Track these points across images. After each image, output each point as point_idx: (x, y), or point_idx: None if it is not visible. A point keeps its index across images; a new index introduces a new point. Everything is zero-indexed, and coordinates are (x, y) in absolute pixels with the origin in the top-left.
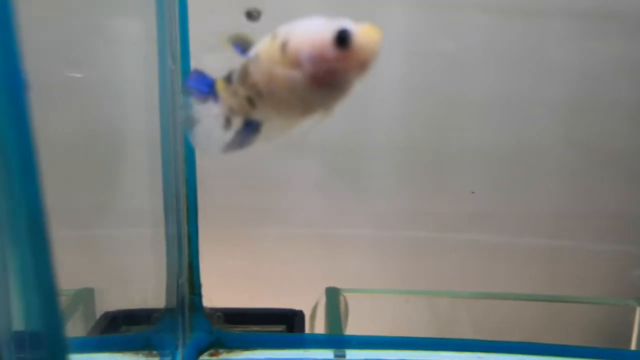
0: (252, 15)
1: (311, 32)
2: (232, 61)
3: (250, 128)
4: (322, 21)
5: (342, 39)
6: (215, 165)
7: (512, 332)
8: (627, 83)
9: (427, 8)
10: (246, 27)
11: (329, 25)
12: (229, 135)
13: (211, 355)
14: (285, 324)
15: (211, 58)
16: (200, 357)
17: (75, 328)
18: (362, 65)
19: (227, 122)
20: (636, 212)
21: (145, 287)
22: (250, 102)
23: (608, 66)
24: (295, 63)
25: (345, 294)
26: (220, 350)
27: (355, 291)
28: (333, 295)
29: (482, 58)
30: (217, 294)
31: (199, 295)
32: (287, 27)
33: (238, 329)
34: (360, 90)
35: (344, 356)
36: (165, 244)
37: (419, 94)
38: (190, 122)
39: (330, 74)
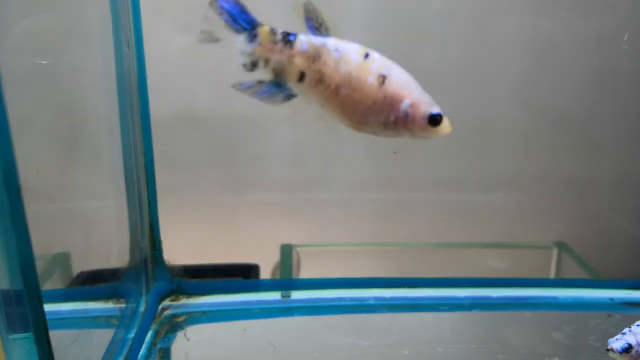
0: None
1: (416, 95)
2: None
3: (281, 91)
4: (418, 85)
5: (436, 121)
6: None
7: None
8: (581, 51)
9: None
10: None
11: (430, 100)
12: (244, 75)
13: (172, 301)
14: (243, 277)
15: None
16: (163, 303)
17: (55, 285)
18: (425, 139)
19: (252, 66)
20: (588, 176)
21: (113, 249)
22: (301, 76)
23: (563, 34)
24: (388, 102)
25: (298, 249)
26: (181, 297)
27: (307, 246)
28: (287, 251)
29: (438, 27)
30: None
31: (160, 251)
32: (383, 60)
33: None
34: None
35: (289, 297)
36: (127, 210)
37: None
38: (208, 38)
39: (405, 130)
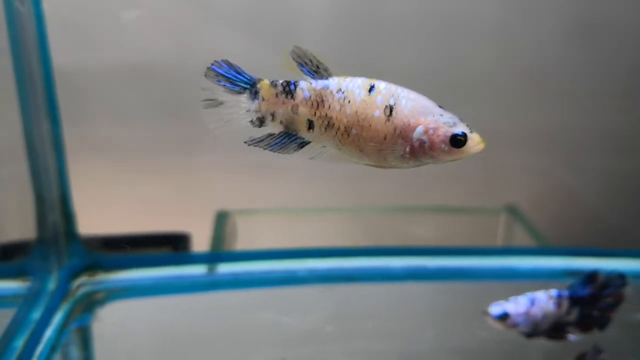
0: None
1: (430, 119)
2: None
3: (293, 140)
4: (433, 105)
5: (460, 141)
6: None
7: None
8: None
9: None
10: None
11: (450, 120)
12: (254, 131)
13: (89, 276)
14: (171, 246)
15: None
16: (79, 279)
17: None
18: (456, 159)
19: (260, 122)
20: (557, 126)
21: (14, 223)
22: (310, 124)
23: None
24: (399, 133)
25: (236, 216)
26: (98, 272)
27: (244, 212)
28: (221, 219)
29: None
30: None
31: (73, 223)
32: (390, 88)
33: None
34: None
35: (215, 270)
36: (30, 180)
37: (348, 12)
38: (211, 104)
39: (426, 158)
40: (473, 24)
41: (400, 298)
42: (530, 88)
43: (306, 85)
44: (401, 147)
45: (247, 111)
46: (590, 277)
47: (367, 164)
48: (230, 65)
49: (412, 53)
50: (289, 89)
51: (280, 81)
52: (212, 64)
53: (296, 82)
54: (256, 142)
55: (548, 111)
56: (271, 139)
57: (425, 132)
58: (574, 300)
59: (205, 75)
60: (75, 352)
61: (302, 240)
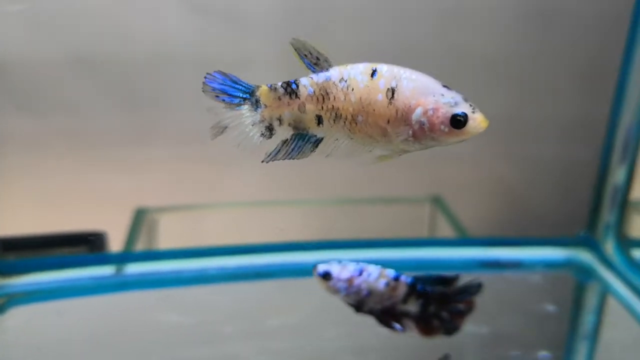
0: None
1: (430, 100)
2: None
3: (307, 141)
4: (436, 85)
5: (459, 122)
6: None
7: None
8: None
9: None
10: None
11: (452, 99)
12: (269, 142)
13: None
14: (86, 246)
15: None
16: None
17: None
18: (459, 141)
19: (269, 131)
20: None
21: None
22: (318, 119)
23: None
24: (400, 115)
25: (154, 213)
26: None
27: (163, 209)
28: (140, 216)
29: None
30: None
31: None
32: (392, 71)
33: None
34: None
35: (123, 271)
36: None
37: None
38: (218, 131)
39: (428, 140)
40: (423, 9)
41: (310, 294)
42: (473, 76)
43: (308, 82)
44: (404, 130)
45: (253, 125)
46: (447, 280)
47: (382, 153)
48: (224, 75)
49: (363, 36)
50: (291, 89)
51: (279, 83)
52: (206, 78)
53: (296, 80)
54: (273, 156)
55: (489, 100)
56: (286, 146)
57: (425, 113)
58: (418, 293)
59: (203, 92)
60: None
61: (224, 237)
